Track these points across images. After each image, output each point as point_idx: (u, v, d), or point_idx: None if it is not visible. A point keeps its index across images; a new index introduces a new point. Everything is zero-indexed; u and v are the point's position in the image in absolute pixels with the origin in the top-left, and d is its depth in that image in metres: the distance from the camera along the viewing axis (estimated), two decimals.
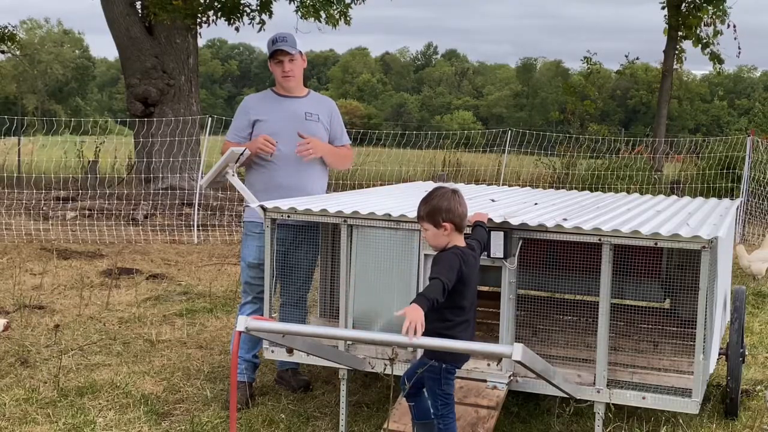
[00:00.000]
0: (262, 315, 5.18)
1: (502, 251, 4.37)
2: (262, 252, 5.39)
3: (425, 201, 4.08)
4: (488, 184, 11.70)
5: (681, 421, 5.02)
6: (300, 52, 5.52)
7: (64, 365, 5.92)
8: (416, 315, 3.60)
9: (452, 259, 3.96)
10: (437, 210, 4.00)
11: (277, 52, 5.45)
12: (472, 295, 4.12)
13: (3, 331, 5.98)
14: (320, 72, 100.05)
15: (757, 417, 5.15)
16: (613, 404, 4.41)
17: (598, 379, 4.37)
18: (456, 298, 4.00)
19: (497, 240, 4.37)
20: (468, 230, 4.37)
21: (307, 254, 5.27)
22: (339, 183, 13.72)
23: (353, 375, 5.18)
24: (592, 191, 7.06)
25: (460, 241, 4.09)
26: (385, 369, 4.59)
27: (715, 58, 21.14)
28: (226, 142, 5.63)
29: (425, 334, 3.75)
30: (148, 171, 14.90)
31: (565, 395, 4.37)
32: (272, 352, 5.00)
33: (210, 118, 13.53)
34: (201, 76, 17.41)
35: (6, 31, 21.37)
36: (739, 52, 21.01)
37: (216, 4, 15.67)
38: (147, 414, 5.12)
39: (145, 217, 13.27)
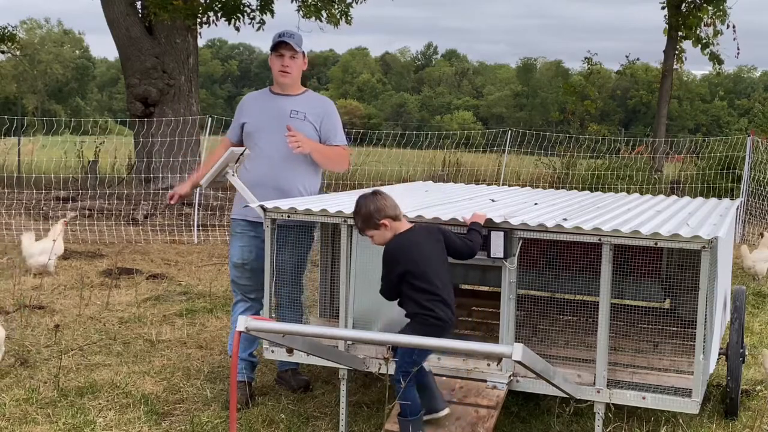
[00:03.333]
0: (255, 313, 5.19)
1: (502, 251, 4.36)
2: (244, 251, 5.38)
3: (356, 214, 4.32)
4: (488, 184, 11.69)
5: (681, 421, 5.02)
6: (303, 52, 5.47)
7: (64, 365, 5.91)
8: None
9: (385, 261, 4.25)
10: (369, 215, 4.26)
11: (281, 44, 5.37)
12: (433, 274, 4.19)
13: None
14: (320, 72, 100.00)
15: (757, 417, 5.15)
16: (613, 404, 4.42)
17: (598, 379, 4.37)
18: (415, 284, 4.17)
19: (497, 240, 4.37)
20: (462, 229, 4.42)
21: (293, 256, 5.09)
22: (339, 183, 13.71)
23: (353, 375, 5.18)
24: (592, 191, 7.06)
25: (402, 226, 4.30)
26: (379, 369, 4.58)
27: (715, 59, 21.14)
28: (226, 138, 5.67)
29: (405, 313, 4.20)
30: (148, 171, 14.89)
31: (565, 395, 4.37)
32: (272, 352, 5.00)
33: (210, 118, 13.53)
34: (201, 76, 17.42)
35: (6, 31, 21.37)
36: (738, 53, 21.02)
37: (216, 4, 15.67)
38: (147, 414, 5.12)
39: (145, 217, 13.27)
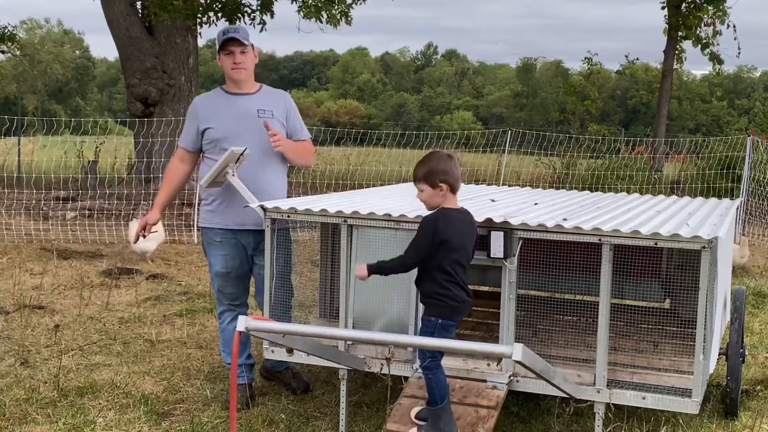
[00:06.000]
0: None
1: (502, 251, 4.37)
2: (228, 260, 5.29)
3: (422, 163, 4.24)
4: (488, 184, 11.69)
5: (681, 421, 5.02)
6: (252, 45, 5.30)
7: (64, 365, 5.92)
8: (359, 271, 4.22)
9: (425, 227, 4.16)
10: (435, 171, 4.18)
11: (228, 41, 5.20)
12: (461, 257, 4.20)
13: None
14: (320, 72, 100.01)
15: (757, 417, 5.15)
16: (613, 404, 4.42)
17: (598, 379, 4.37)
18: (442, 260, 4.15)
19: (497, 240, 4.37)
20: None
21: (279, 259, 5.02)
22: (339, 183, 13.71)
23: (353, 375, 5.18)
24: (592, 191, 7.07)
25: (453, 202, 4.25)
26: (381, 369, 4.59)
27: (715, 59, 21.14)
28: (180, 148, 5.39)
29: (421, 294, 4.22)
30: (148, 171, 14.88)
31: (565, 395, 4.37)
32: (272, 352, 4.99)
33: None
34: (201, 76, 17.39)
35: (6, 31, 21.37)
36: (739, 52, 21.01)
37: (216, 4, 15.67)
38: (147, 414, 5.12)
39: None
